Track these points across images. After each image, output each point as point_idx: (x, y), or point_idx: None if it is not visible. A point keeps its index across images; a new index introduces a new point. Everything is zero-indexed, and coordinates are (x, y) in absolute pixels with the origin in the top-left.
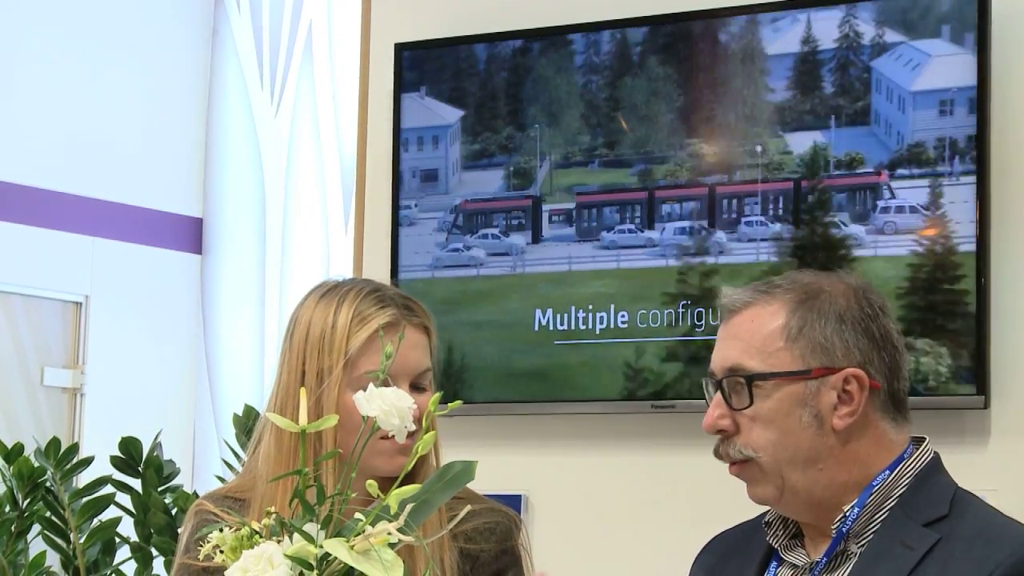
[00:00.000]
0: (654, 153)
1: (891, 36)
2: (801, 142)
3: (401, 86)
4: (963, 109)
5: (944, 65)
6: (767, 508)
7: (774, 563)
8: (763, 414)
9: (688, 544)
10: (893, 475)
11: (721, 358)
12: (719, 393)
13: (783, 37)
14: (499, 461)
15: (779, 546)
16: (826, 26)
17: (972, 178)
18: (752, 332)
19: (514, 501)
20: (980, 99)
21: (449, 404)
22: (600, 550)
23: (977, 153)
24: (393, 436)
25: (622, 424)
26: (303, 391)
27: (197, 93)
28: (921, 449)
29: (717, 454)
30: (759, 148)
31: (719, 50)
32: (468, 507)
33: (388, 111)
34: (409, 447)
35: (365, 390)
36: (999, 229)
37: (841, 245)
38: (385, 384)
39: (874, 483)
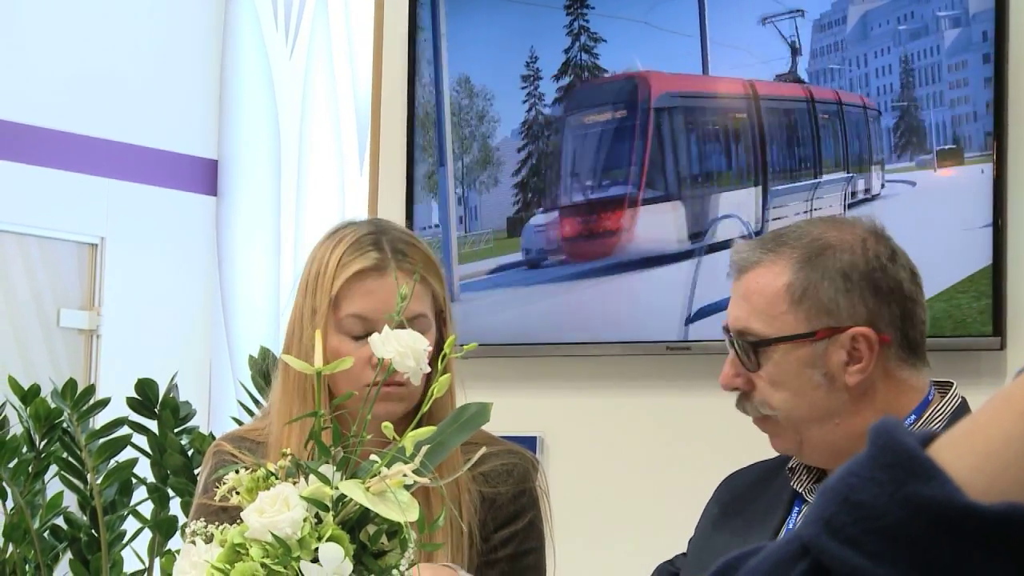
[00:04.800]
0: None
1: None
2: None
3: (415, 24)
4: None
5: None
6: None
7: (797, 507)
8: (774, 376)
9: (703, 485)
10: (922, 420)
11: (733, 317)
12: (732, 351)
13: None
14: (514, 403)
15: (803, 490)
16: None
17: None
18: (758, 295)
19: (529, 442)
20: (998, 39)
21: (464, 346)
22: (615, 491)
23: (995, 94)
24: (380, 382)
25: (637, 365)
26: (318, 333)
27: (212, 34)
28: (950, 394)
29: (739, 408)
30: None
31: None
32: (483, 449)
33: (403, 50)
34: (400, 394)
35: (347, 333)
36: (1016, 168)
37: None
38: (367, 330)
39: None
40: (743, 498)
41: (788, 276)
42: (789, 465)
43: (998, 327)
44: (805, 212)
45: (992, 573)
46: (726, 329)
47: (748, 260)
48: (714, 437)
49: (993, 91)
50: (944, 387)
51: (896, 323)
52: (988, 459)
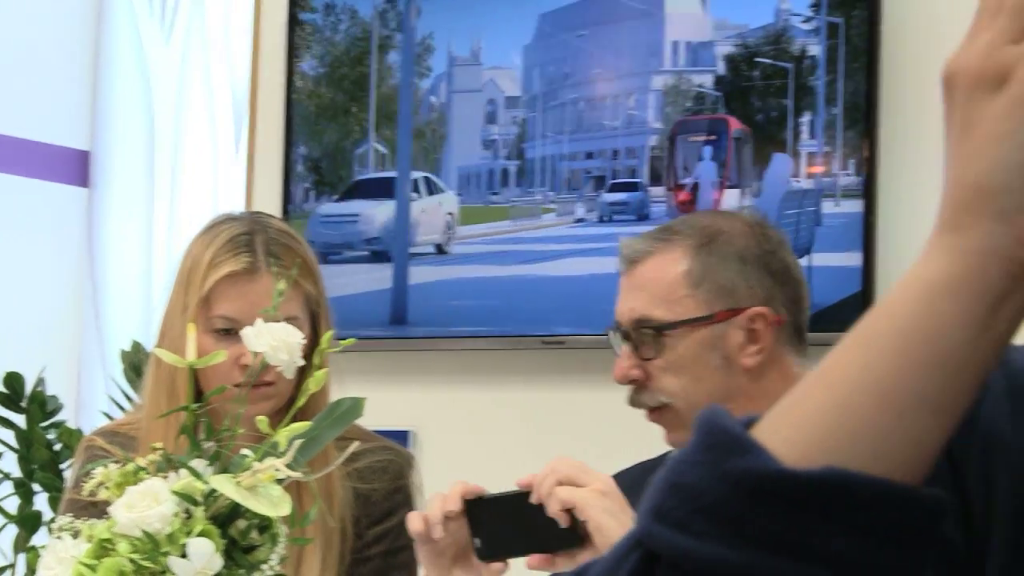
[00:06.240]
0: None
1: None
2: None
3: (295, 6)
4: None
5: None
6: (668, 448)
7: None
8: (673, 361)
9: None
10: None
11: (628, 309)
12: (627, 344)
13: None
14: (386, 397)
15: None
16: None
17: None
18: (656, 282)
19: (401, 437)
20: (871, 21)
21: (341, 342)
22: (488, 485)
23: (866, 126)
24: (243, 383)
25: (511, 360)
26: (191, 326)
27: (84, 22)
28: None
29: (632, 403)
30: None
31: None
32: (355, 443)
33: (283, 34)
34: (268, 393)
35: (216, 333)
36: (887, 161)
37: None
38: (232, 331)
39: None
40: (628, 497)
41: (686, 262)
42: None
43: None
44: None
45: (814, 536)
46: (616, 326)
47: (640, 251)
48: (590, 432)
49: (864, 124)
50: None
51: (789, 305)
52: (803, 430)
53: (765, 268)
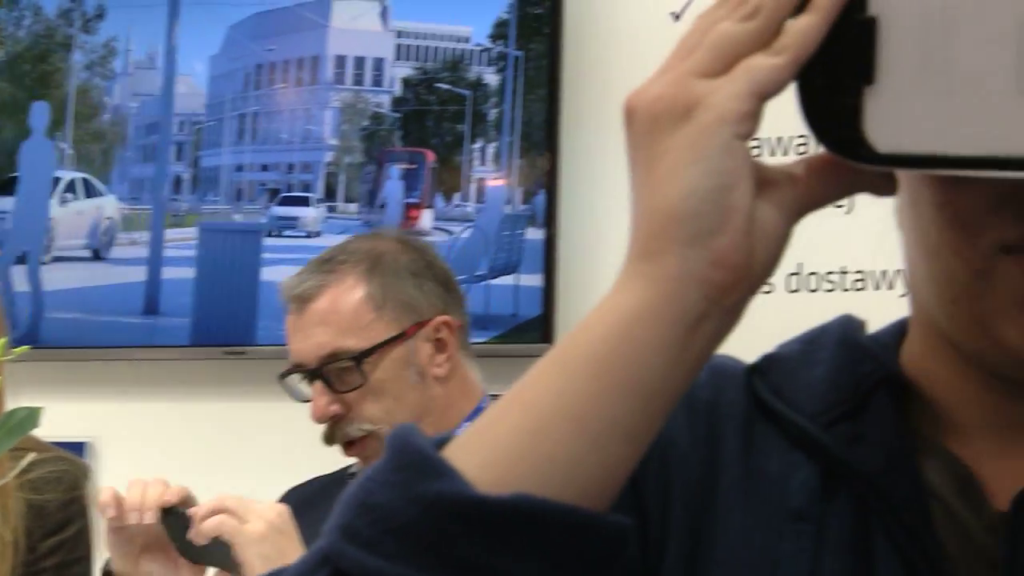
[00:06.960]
0: None
1: None
2: None
3: None
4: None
5: None
6: (350, 461)
7: None
8: (374, 387)
9: (262, 493)
10: None
11: (313, 347)
12: (319, 382)
13: None
14: (63, 408)
15: None
16: None
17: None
18: (338, 313)
19: (77, 448)
20: (552, 52)
21: (15, 349)
22: None
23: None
24: None
25: (193, 370)
26: None
27: None
28: None
29: (330, 440)
30: None
31: None
32: (31, 455)
33: None
34: None
35: None
36: (567, 168)
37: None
38: None
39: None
40: (300, 514)
41: (364, 287)
42: (351, 471)
43: (547, 335)
44: None
45: (504, 561)
46: (297, 367)
47: (311, 288)
48: (272, 443)
49: (546, 150)
50: None
51: (461, 309)
52: (498, 452)
53: (434, 278)
